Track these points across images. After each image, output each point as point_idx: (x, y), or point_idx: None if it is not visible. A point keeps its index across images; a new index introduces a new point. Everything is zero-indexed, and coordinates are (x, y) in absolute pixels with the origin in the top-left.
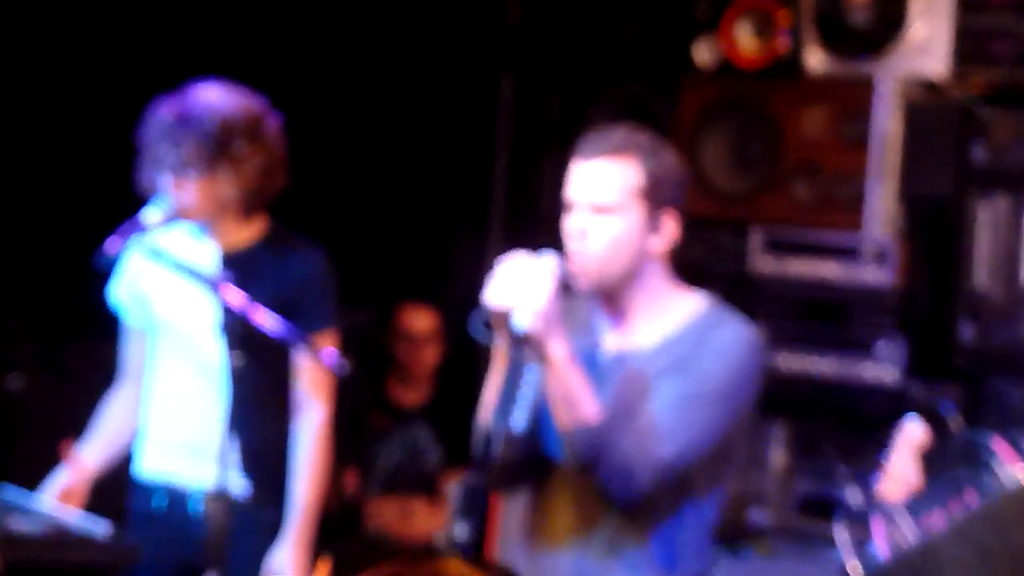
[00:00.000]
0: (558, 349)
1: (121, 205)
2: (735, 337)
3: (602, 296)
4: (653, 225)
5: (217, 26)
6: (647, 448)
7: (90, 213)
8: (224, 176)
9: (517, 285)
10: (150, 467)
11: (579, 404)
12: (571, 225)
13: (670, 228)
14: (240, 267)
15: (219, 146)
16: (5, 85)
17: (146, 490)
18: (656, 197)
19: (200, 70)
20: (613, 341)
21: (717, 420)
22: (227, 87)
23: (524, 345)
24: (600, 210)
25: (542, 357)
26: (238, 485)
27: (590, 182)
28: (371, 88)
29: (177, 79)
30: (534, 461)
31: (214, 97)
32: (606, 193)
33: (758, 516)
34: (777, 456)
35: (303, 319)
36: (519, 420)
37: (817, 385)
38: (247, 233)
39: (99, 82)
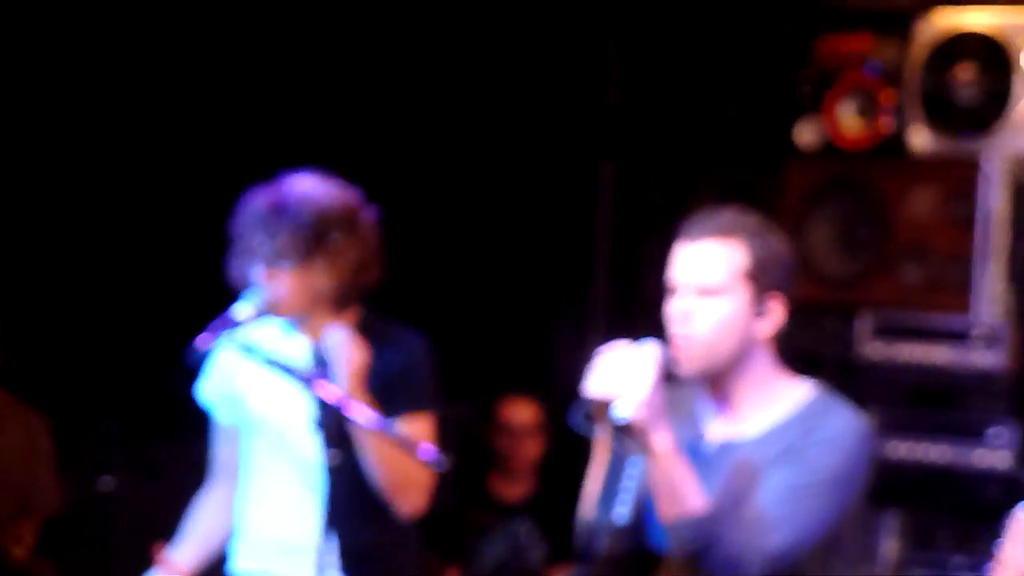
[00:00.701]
0: (662, 440)
1: (213, 301)
2: (844, 426)
3: (707, 382)
4: (759, 309)
5: (314, 118)
6: (756, 540)
7: (181, 310)
8: (319, 268)
9: (618, 375)
10: (245, 567)
11: (684, 495)
12: (675, 308)
13: (777, 313)
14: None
15: (315, 237)
16: (95, 186)
17: None
18: (763, 280)
19: (295, 161)
20: (718, 430)
21: (826, 511)
22: (322, 178)
23: (626, 436)
24: (705, 292)
25: (646, 448)
26: None
27: (695, 263)
28: (470, 176)
29: (270, 170)
30: (640, 554)
31: (309, 187)
32: (712, 274)
33: None
34: (889, 546)
35: (400, 400)
36: (622, 513)
37: (929, 473)
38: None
39: (189, 175)
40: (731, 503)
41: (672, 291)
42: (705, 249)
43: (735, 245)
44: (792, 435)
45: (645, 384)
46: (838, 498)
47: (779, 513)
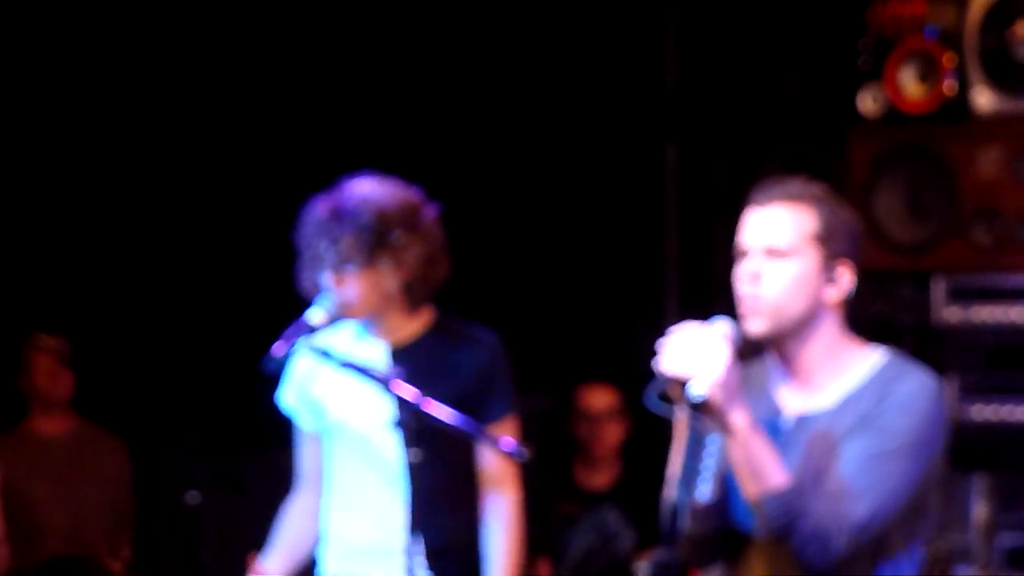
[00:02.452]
0: (740, 418)
1: (287, 311)
2: (917, 388)
3: (777, 351)
4: (828, 275)
5: (376, 116)
6: (841, 511)
7: (256, 321)
8: (385, 268)
9: (691, 354)
10: (334, 571)
11: (766, 472)
12: (744, 269)
13: (846, 279)
14: (411, 361)
15: (376, 237)
16: (168, 203)
17: None
18: (831, 245)
19: (355, 164)
20: (793, 403)
21: (909, 475)
22: (380, 180)
23: (703, 414)
24: (775, 253)
25: (724, 427)
26: None
27: (765, 226)
28: (536, 164)
29: (333, 177)
30: (725, 533)
31: (367, 190)
32: (781, 236)
33: (964, 572)
34: (979, 510)
35: (482, 408)
36: (704, 491)
37: (1014, 434)
38: (414, 326)
39: (256, 188)
40: (813, 476)
41: (742, 254)
42: (774, 213)
43: (804, 210)
44: (866, 403)
45: (718, 361)
46: (918, 461)
47: (861, 484)
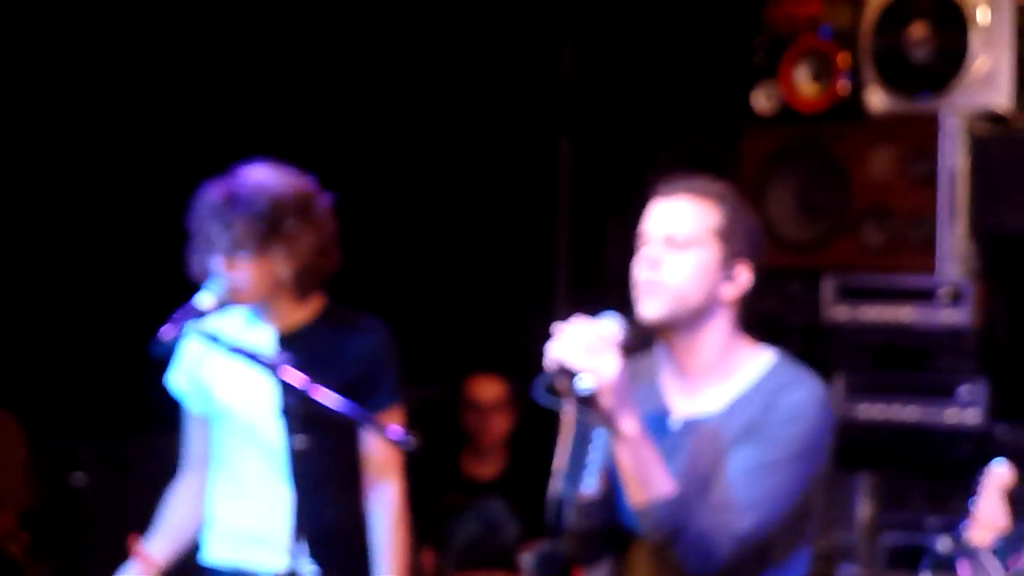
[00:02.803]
0: (629, 425)
1: (175, 294)
2: (805, 397)
3: (668, 343)
4: (726, 272)
5: (268, 102)
6: (725, 523)
7: (144, 304)
8: (277, 255)
9: (580, 348)
10: (217, 555)
11: (652, 480)
12: (644, 254)
13: (743, 278)
14: (298, 348)
15: (270, 225)
16: (56, 183)
17: None
18: (731, 243)
19: (248, 150)
20: (681, 403)
21: (793, 485)
22: (275, 167)
23: (590, 408)
24: (675, 244)
25: (612, 432)
26: (308, 571)
27: (668, 217)
28: (428, 154)
29: (225, 163)
30: (610, 529)
31: (262, 176)
32: (684, 226)
33: (847, 571)
34: (863, 509)
35: (368, 396)
36: (590, 485)
37: (899, 433)
38: (303, 313)
39: (146, 166)
40: (696, 483)
41: (643, 243)
42: (678, 205)
43: (709, 205)
44: (754, 408)
45: (608, 361)
46: (804, 471)
47: (746, 495)
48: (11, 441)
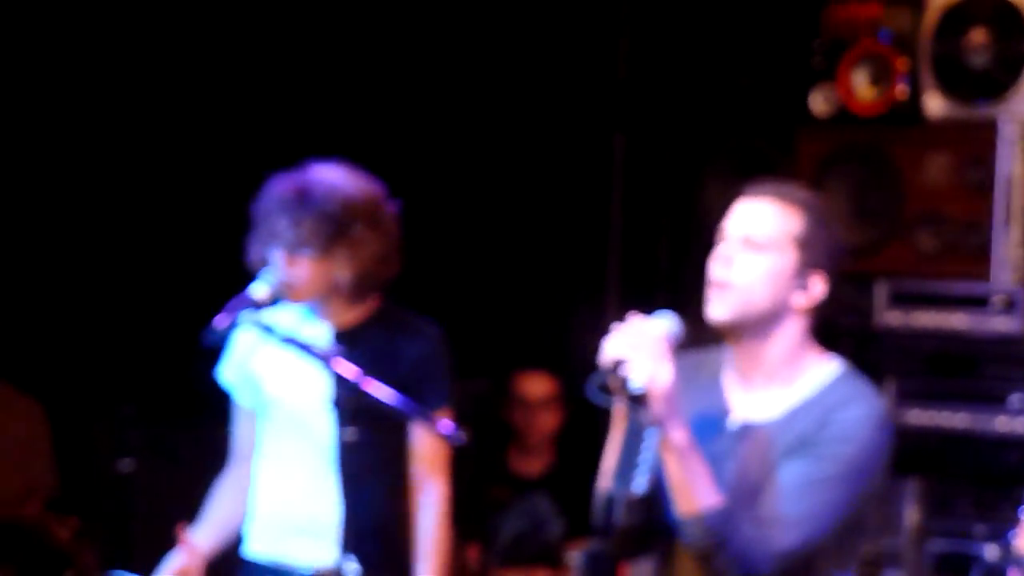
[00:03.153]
0: (678, 435)
1: (229, 284)
2: (862, 416)
3: (735, 345)
4: (801, 280)
5: (328, 99)
6: (769, 537)
7: (197, 291)
8: (340, 258)
9: (634, 346)
10: (260, 548)
11: (697, 492)
12: (720, 251)
13: (818, 289)
14: (352, 345)
15: (339, 227)
16: (118, 168)
17: (256, 570)
18: (810, 252)
19: (313, 150)
20: (741, 404)
21: (843, 504)
22: (348, 168)
23: (642, 407)
24: (752, 244)
25: (662, 441)
26: (352, 565)
27: (749, 217)
28: (483, 151)
29: (285, 158)
30: (658, 526)
31: (336, 177)
32: (762, 228)
33: None
34: (910, 515)
35: (418, 399)
36: (640, 484)
37: (949, 440)
38: (358, 312)
39: (210, 158)
40: (746, 490)
41: (721, 239)
42: (761, 206)
43: (791, 210)
44: (810, 420)
45: (662, 367)
46: (855, 490)
47: (794, 511)
48: (37, 428)
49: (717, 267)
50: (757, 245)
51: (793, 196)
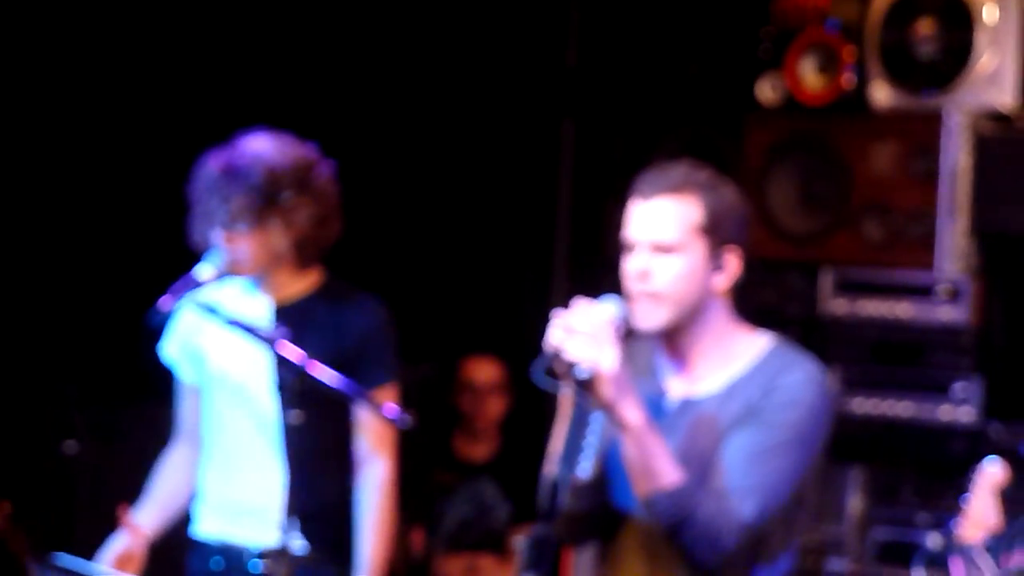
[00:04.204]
0: (633, 415)
1: (175, 264)
2: (804, 380)
3: (664, 337)
4: (716, 263)
5: (273, 79)
6: (730, 510)
7: (141, 273)
8: (275, 227)
9: (579, 330)
10: (208, 527)
11: (659, 470)
12: (632, 266)
13: (733, 265)
14: (295, 320)
15: (267, 197)
16: (54, 147)
17: (204, 550)
18: (718, 234)
19: (253, 120)
20: (678, 385)
21: (794, 470)
22: (275, 136)
23: (587, 391)
24: (661, 249)
25: (617, 423)
26: (298, 544)
27: (650, 221)
28: (430, 136)
29: (229, 131)
30: (602, 511)
31: (260, 147)
32: (667, 231)
33: (836, 565)
34: (854, 503)
35: (363, 373)
36: (585, 468)
37: (893, 428)
38: (301, 285)
39: (150, 135)
40: (696, 464)
41: (629, 248)
42: (659, 206)
43: (688, 200)
44: (752, 390)
45: (608, 349)
46: (804, 455)
47: (748, 481)
48: None
49: (635, 282)
50: (665, 248)
51: (686, 183)
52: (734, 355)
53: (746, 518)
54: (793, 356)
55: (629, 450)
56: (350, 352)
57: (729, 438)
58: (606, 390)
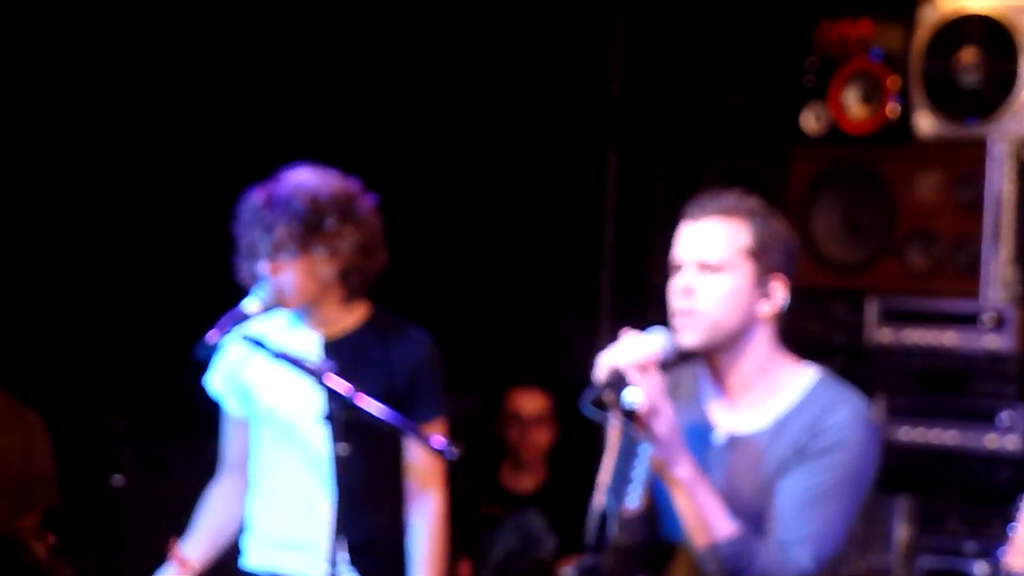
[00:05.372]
0: (685, 470)
1: (223, 298)
2: (852, 419)
3: (710, 365)
4: (761, 289)
5: (321, 116)
6: (788, 561)
7: (189, 306)
8: (319, 256)
9: (628, 362)
10: (256, 560)
11: (713, 522)
12: (677, 283)
13: (779, 294)
14: (345, 355)
15: (309, 224)
16: (105, 186)
17: None
18: (765, 260)
19: (299, 155)
20: (722, 414)
21: (847, 512)
22: (317, 169)
23: (636, 423)
24: (708, 268)
25: (669, 478)
26: None
27: (698, 241)
28: (476, 168)
29: (276, 167)
30: (652, 542)
31: (302, 178)
32: (714, 251)
33: None
34: (900, 532)
35: (413, 408)
36: (634, 500)
37: (939, 457)
38: (350, 320)
39: (199, 171)
40: (744, 504)
41: (676, 269)
42: (708, 227)
43: (737, 224)
44: (799, 429)
45: (654, 373)
46: (855, 497)
47: (804, 529)
48: (38, 439)
49: (679, 299)
50: (712, 267)
51: (735, 207)
52: (780, 387)
53: (805, 568)
54: (839, 392)
55: (682, 504)
56: (400, 387)
57: (780, 482)
58: (660, 450)
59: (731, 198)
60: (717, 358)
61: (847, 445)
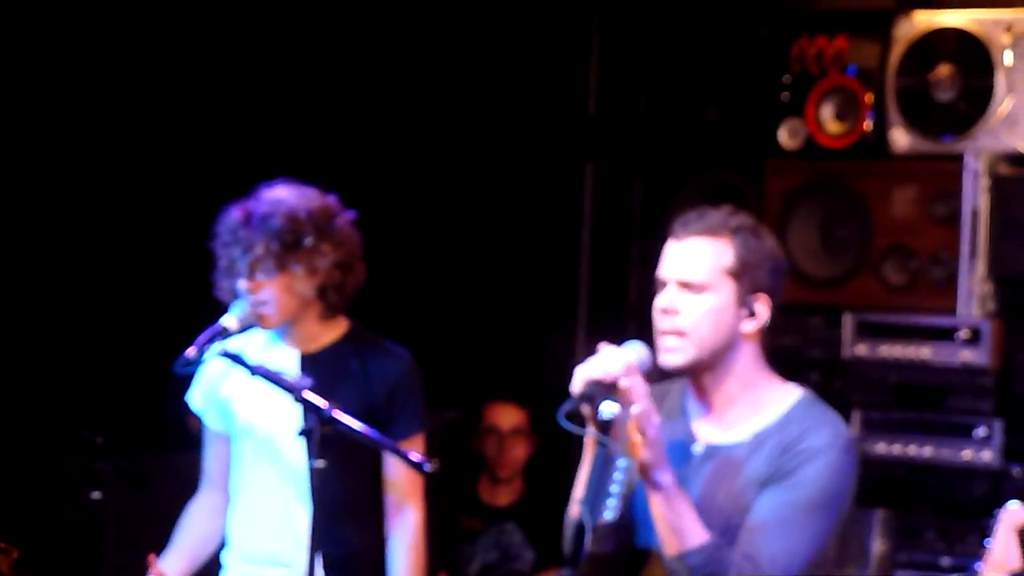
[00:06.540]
0: (666, 479)
1: (202, 314)
2: (831, 442)
3: (692, 379)
4: (745, 307)
5: (295, 128)
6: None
7: (167, 322)
8: (297, 273)
9: (604, 375)
10: (235, 575)
11: (687, 531)
12: (660, 302)
13: (763, 313)
14: (322, 370)
15: (288, 242)
16: (83, 200)
17: None
18: (748, 279)
19: (277, 174)
20: (706, 430)
21: (821, 532)
22: (295, 185)
23: (612, 435)
24: (690, 287)
25: (651, 483)
26: None
27: (681, 260)
28: (454, 183)
29: (254, 183)
30: (627, 551)
31: (280, 195)
32: (696, 271)
33: None
34: (877, 546)
35: (391, 424)
36: (610, 511)
37: (915, 471)
38: (328, 336)
39: (176, 186)
40: (717, 513)
41: (659, 287)
42: (691, 246)
43: (721, 243)
44: (777, 446)
45: (635, 384)
46: (831, 518)
47: (777, 546)
48: None
49: (663, 319)
50: (695, 287)
51: (721, 226)
52: (763, 404)
53: None
54: (820, 413)
55: (657, 510)
56: (378, 403)
57: (757, 499)
58: (644, 455)
59: (717, 216)
60: (702, 376)
61: (824, 466)
